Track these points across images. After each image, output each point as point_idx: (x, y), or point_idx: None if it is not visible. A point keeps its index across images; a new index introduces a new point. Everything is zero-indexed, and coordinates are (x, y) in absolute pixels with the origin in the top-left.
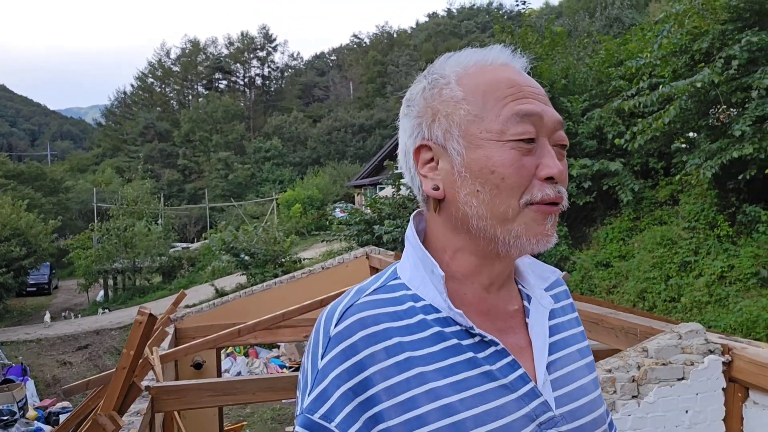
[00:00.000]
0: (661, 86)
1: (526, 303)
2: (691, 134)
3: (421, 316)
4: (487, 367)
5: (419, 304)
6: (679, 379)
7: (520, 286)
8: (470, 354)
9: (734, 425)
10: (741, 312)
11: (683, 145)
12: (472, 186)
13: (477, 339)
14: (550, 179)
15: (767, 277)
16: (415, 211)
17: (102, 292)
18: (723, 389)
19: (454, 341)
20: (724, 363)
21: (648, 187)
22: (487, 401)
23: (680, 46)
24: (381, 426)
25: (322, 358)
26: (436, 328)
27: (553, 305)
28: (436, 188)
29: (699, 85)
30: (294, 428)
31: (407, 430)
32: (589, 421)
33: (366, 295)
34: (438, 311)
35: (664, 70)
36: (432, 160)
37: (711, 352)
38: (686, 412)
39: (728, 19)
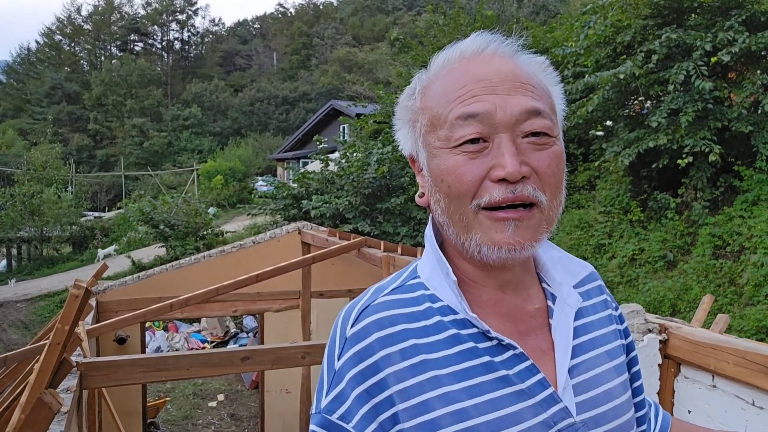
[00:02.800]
0: (586, 75)
1: (550, 303)
2: (608, 122)
3: (438, 318)
4: (503, 372)
5: (437, 305)
6: None
7: (544, 285)
8: (487, 358)
9: (667, 398)
10: (649, 292)
11: (599, 133)
12: (434, 195)
13: (494, 342)
14: (503, 180)
15: (673, 260)
16: None
17: (5, 262)
18: (659, 365)
19: (471, 344)
20: (660, 341)
21: (567, 172)
22: (502, 407)
23: (604, 37)
24: (396, 428)
25: (338, 359)
26: (453, 331)
27: (582, 303)
28: (422, 195)
29: (622, 76)
30: (310, 427)
31: None
32: (613, 428)
33: (384, 295)
34: (455, 313)
35: (587, 59)
36: (420, 169)
37: (650, 331)
38: None
39: (649, 15)
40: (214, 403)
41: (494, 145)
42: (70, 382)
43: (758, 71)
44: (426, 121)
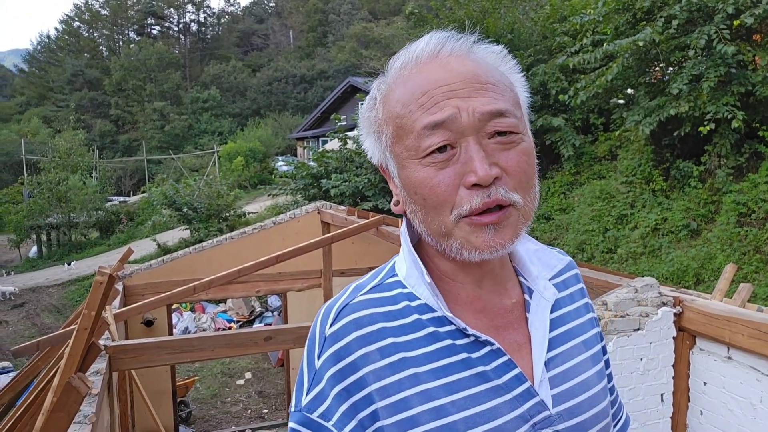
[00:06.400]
0: (605, 43)
1: (527, 297)
2: (629, 91)
3: (416, 316)
4: (480, 368)
5: (414, 303)
6: (635, 330)
7: (521, 278)
8: (464, 355)
9: (682, 370)
10: (672, 262)
11: (620, 102)
12: (410, 206)
13: (472, 339)
14: (476, 185)
15: (696, 229)
16: None
17: (35, 248)
18: (673, 338)
19: (449, 341)
20: (675, 314)
21: (588, 143)
22: (480, 403)
23: (623, 3)
24: (375, 425)
25: (318, 358)
26: (431, 328)
27: (559, 294)
28: (397, 203)
29: (641, 43)
30: (289, 424)
31: (400, 430)
32: (589, 417)
33: (362, 294)
34: (433, 310)
35: (606, 27)
36: (392, 178)
37: (664, 304)
38: (641, 359)
39: None
40: (241, 381)
41: (462, 151)
42: (100, 364)
43: None
44: (391, 131)
